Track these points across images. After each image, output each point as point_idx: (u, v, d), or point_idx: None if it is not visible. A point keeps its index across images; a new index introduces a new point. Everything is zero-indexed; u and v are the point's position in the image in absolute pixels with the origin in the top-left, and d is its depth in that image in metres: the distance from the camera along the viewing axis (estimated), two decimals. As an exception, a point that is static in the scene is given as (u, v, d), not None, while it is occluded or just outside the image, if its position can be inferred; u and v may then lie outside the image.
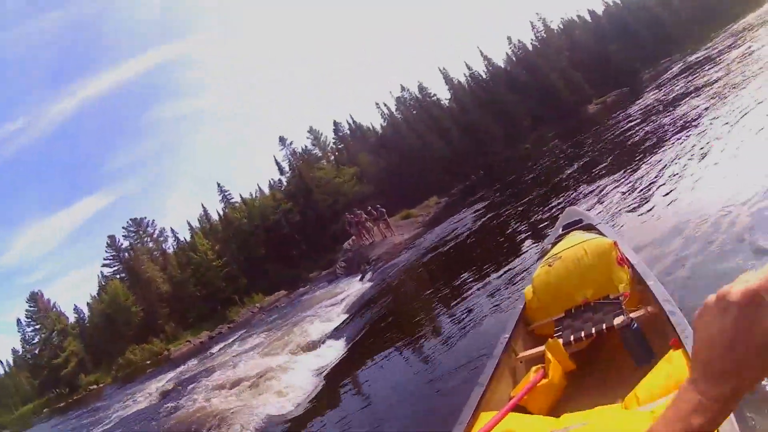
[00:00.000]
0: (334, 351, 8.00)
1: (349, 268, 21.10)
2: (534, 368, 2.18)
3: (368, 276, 14.87)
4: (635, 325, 2.14)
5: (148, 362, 38.76)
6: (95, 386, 41.84)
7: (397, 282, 10.75)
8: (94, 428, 16.03)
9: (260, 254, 40.85)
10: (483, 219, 12.10)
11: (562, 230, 3.48)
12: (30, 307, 45.53)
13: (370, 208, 21.89)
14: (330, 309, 12.72)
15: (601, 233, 3.11)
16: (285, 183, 43.88)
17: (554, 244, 3.13)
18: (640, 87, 37.74)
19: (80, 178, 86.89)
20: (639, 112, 17.60)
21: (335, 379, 6.54)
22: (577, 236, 2.97)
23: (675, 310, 2.04)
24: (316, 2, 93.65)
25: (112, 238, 44.22)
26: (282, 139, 42.94)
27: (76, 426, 21.13)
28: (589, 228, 3.33)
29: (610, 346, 2.41)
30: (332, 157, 43.97)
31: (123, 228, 45.41)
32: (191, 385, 11.81)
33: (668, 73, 32.88)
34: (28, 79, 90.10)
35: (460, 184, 39.88)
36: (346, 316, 10.48)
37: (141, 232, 44.14)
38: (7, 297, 79.78)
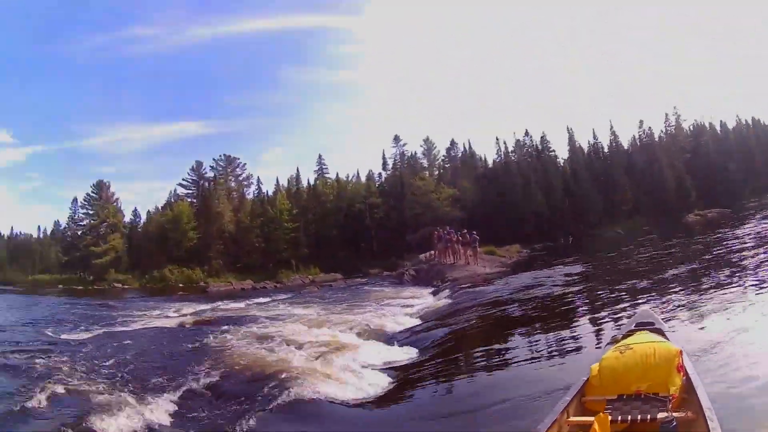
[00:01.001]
0: (406, 352, 7.73)
1: (418, 279, 21.23)
2: None
3: (445, 293, 14.47)
4: (674, 423, 2.41)
5: (181, 285, 38.81)
6: (120, 285, 41.71)
7: (474, 310, 10.48)
8: (102, 322, 15.22)
9: (331, 234, 39.97)
10: (566, 285, 11.86)
11: (634, 326, 3.77)
12: (92, 192, 45.12)
13: (465, 231, 21.30)
14: (401, 309, 12.63)
15: (667, 339, 3.38)
16: (383, 179, 43.04)
17: (625, 336, 3.44)
18: (744, 213, 36.61)
19: (191, 100, 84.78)
20: (742, 236, 17.73)
21: (408, 380, 6.33)
22: (649, 336, 3.31)
23: (713, 417, 2.32)
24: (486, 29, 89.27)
25: (199, 163, 43.75)
26: (396, 138, 42.20)
27: (84, 311, 20.16)
28: (659, 332, 3.59)
29: None
30: (436, 172, 42.92)
31: (213, 159, 44.93)
32: (231, 326, 11.26)
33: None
34: None
35: (545, 242, 38.93)
36: (419, 322, 10.39)
37: (228, 170, 43.45)
38: (73, 176, 79.26)
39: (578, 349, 6.42)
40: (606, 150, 46.05)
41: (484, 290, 13.09)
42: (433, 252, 23.89)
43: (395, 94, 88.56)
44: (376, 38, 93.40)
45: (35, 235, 57.71)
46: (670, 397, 2.68)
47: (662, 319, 4.50)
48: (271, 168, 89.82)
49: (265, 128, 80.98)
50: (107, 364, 7.93)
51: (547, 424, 2.56)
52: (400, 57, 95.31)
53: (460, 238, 21.08)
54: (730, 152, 49.92)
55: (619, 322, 6.51)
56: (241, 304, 19.25)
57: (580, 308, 9.38)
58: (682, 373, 2.83)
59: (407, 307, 13.13)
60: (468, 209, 39.14)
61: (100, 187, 44.91)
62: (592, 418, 2.52)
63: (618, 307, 8.60)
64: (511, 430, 3.96)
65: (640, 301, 8.39)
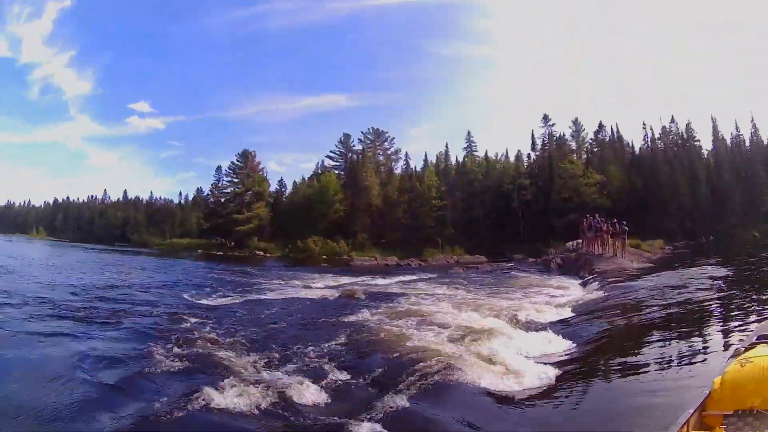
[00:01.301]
0: (563, 344, 7.32)
1: (565, 268, 20.76)
2: None
3: (594, 285, 14.20)
4: None
5: (324, 257, 40.16)
6: (262, 253, 43.58)
7: (628, 305, 9.90)
8: (241, 288, 15.57)
9: (478, 215, 40.85)
10: (710, 290, 10.68)
11: (756, 339, 3.63)
12: (238, 161, 47.46)
13: (615, 221, 20.50)
14: (550, 299, 12.40)
15: None
16: (532, 159, 43.36)
17: (747, 348, 3.32)
18: None
19: (336, 74, 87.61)
20: None
21: (569, 375, 5.85)
22: None
23: None
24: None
25: (347, 136, 45.36)
26: (546, 117, 42.19)
27: (224, 276, 21.06)
28: None
29: None
30: (584, 156, 42.89)
31: (361, 132, 46.33)
32: (377, 301, 11.52)
33: None
34: None
35: (687, 239, 38.51)
36: (571, 314, 9.88)
37: (377, 144, 44.88)
38: (217, 144, 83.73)
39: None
40: (747, 144, 44.63)
41: (634, 285, 12.56)
42: (580, 240, 23.52)
43: (543, 73, 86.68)
44: (524, 13, 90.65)
45: (176, 201, 61.35)
46: None
47: None
48: (419, 144, 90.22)
49: (413, 103, 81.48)
50: (244, 333, 7.91)
51: None
52: (549, 33, 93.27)
53: (610, 228, 20.50)
54: None
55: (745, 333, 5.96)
56: (387, 281, 19.34)
57: (725, 314, 8.40)
58: None
59: (555, 297, 12.92)
60: (613, 198, 39.08)
61: (246, 156, 47.22)
62: None
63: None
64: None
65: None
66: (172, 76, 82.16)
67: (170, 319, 9.11)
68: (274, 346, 7.12)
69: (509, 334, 7.64)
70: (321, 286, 16.75)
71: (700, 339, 6.68)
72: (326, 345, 7.09)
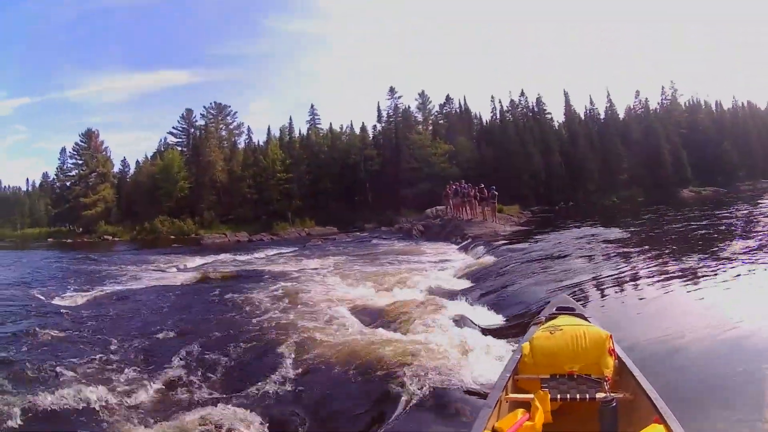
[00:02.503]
0: (482, 313, 6.13)
1: (430, 235, 20.10)
2: (520, 410, 2.30)
3: (480, 250, 12.90)
4: (615, 403, 2.30)
5: (173, 237, 37.48)
6: (111, 237, 40.34)
7: (534, 268, 8.94)
8: (95, 280, 13.24)
9: (325, 186, 38.54)
10: (622, 247, 10.38)
11: (555, 311, 3.56)
12: (81, 141, 43.44)
13: (483, 186, 19.60)
14: (437, 265, 11.42)
15: (590, 323, 3.17)
16: (379, 131, 41.44)
17: (548, 318, 3.31)
18: (739, 193, 35.72)
19: (174, 49, 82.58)
20: (737, 216, 16.50)
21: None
22: (573, 319, 3.17)
23: (657, 396, 2.29)
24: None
25: (189, 111, 42.25)
26: (392, 90, 40.72)
27: (75, 266, 18.39)
28: (581, 317, 3.37)
29: (584, 414, 2.54)
30: (431, 128, 41.47)
31: (203, 107, 43.24)
32: (253, 283, 9.63)
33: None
34: None
35: (542, 205, 37.80)
36: (470, 283, 8.83)
37: (219, 118, 41.86)
38: (59, 128, 77.36)
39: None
40: (602, 117, 44.84)
41: (526, 248, 11.69)
42: (445, 207, 22.54)
43: (390, 46, 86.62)
44: None
45: (24, 188, 56.03)
46: (606, 379, 2.63)
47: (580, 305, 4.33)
48: (261, 119, 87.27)
49: (253, 78, 79.27)
50: (112, 339, 5.89)
51: (492, 402, 2.48)
52: (393, 7, 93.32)
53: (477, 193, 19.65)
54: (726, 132, 49.12)
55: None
56: (246, 257, 17.78)
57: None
58: (614, 357, 2.76)
59: (442, 262, 11.93)
60: (463, 167, 37.89)
61: (89, 136, 43.18)
62: (530, 395, 2.51)
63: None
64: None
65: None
66: (16, 57, 74.55)
67: (20, 326, 6.68)
68: (149, 357, 5.28)
69: (441, 306, 6.12)
70: (179, 269, 14.97)
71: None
72: (218, 350, 5.20)
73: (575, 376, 2.68)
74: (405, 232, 22.70)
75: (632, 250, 10.03)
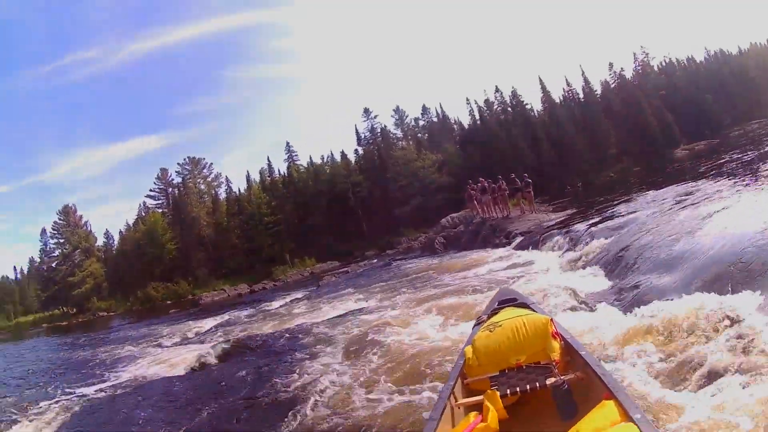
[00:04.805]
0: None
1: (458, 244, 16.75)
2: (473, 413, 2.26)
3: (559, 240, 9.76)
4: (566, 385, 2.25)
5: (169, 302, 34.38)
6: (105, 313, 37.45)
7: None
8: (92, 357, 11.49)
9: (315, 221, 35.43)
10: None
11: (498, 305, 3.45)
12: (59, 219, 40.27)
13: (513, 176, 16.32)
14: (518, 271, 8.28)
15: (534, 311, 3.14)
16: (360, 155, 38.57)
17: (490, 315, 3.17)
18: (730, 142, 33.36)
19: (142, 116, 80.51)
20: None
21: None
22: (515, 311, 3.04)
23: (606, 372, 2.24)
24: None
25: (164, 170, 39.07)
26: (367, 111, 37.75)
27: (71, 349, 15.99)
28: (524, 306, 3.33)
29: (539, 402, 2.50)
30: (411, 142, 38.50)
31: (178, 164, 40.07)
32: (304, 348, 6.51)
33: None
34: (109, 15, 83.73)
35: (542, 194, 34.99)
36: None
37: (195, 172, 38.62)
38: (42, 211, 74.53)
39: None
40: (581, 96, 42.13)
41: (623, 222, 8.40)
42: (470, 210, 19.08)
43: (354, 69, 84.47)
44: (318, 21, 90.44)
45: (12, 276, 52.57)
46: (554, 363, 2.51)
47: (523, 293, 4.10)
48: (238, 168, 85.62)
49: (224, 129, 77.40)
50: None
51: (438, 411, 2.31)
52: (352, 32, 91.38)
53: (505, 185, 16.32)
54: (704, 85, 46.96)
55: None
56: (260, 311, 14.31)
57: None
58: (559, 339, 2.63)
59: (513, 267, 8.94)
60: (454, 173, 35.02)
61: (67, 212, 40.06)
62: (479, 397, 2.39)
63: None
64: None
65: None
66: None
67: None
68: None
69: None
70: (189, 340, 11.60)
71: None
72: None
73: (523, 367, 2.57)
74: (424, 248, 19.79)
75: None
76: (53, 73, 78.03)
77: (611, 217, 9.57)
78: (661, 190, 12.06)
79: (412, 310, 7.17)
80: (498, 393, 2.34)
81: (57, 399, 7.11)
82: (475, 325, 3.29)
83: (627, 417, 1.80)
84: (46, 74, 77.04)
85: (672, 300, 3.91)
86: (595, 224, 9.32)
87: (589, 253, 7.46)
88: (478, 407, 2.31)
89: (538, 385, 2.38)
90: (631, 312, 4.12)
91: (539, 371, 2.49)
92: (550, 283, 6.13)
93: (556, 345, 2.58)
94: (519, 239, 12.44)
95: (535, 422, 2.45)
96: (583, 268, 6.89)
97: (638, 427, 1.70)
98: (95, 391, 7.35)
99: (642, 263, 5.37)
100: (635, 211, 9.18)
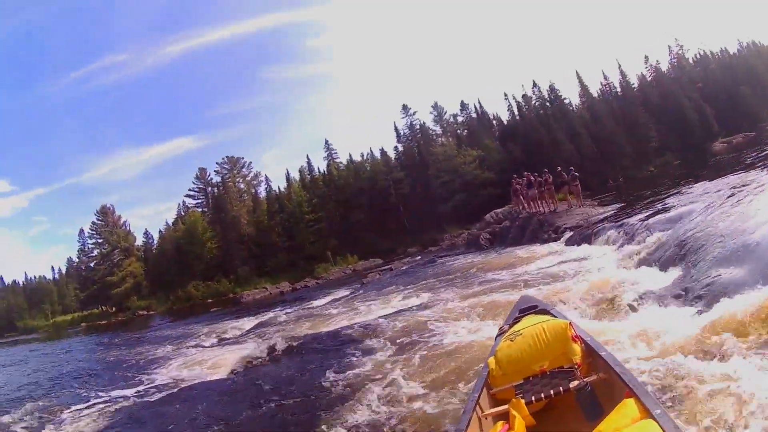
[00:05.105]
0: None
1: (502, 240, 16.29)
2: (500, 423, 2.24)
3: (613, 234, 9.19)
4: (589, 387, 2.28)
5: (210, 301, 34.34)
6: (145, 312, 37.40)
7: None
8: (128, 358, 11.02)
9: (357, 219, 34.99)
10: None
11: (519, 313, 3.51)
12: (98, 219, 40.17)
13: (559, 169, 15.81)
14: (572, 268, 7.87)
15: (554, 316, 3.14)
16: (401, 151, 38.00)
17: (511, 325, 3.20)
18: (764, 135, 32.46)
19: (179, 117, 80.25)
20: None
21: None
22: (534, 318, 3.07)
23: (626, 371, 2.24)
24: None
25: (203, 170, 38.81)
26: (405, 107, 37.23)
27: (107, 349, 15.59)
28: (544, 312, 3.37)
29: (565, 406, 2.50)
30: (451, 138, 37.93)
31: (216, 163, 39.79)
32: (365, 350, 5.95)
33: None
34: (144, 18, 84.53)
35: (586, 189, 34.28)
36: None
37: (235, 171, 38.33)
38: (80, 213, 75.33)
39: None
40: (619, 91, 41.33)
41: (683, 213, 7.71)
42: (516, 205, 18.40)
43: (392, 65, 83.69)
44: (354, 18, 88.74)
45: (50, 277, 52.76)
46: (576, 366, 2.51)
47: (543, 299, 4.18)
48: (277, 167, 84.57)
49: (261, 130, 77.14)
50: None
51: (465, 422, 2.31)
52: (388, 28, 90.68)
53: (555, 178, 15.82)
54: (739, 78, 45.87)
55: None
56: (303, 310, 13.70)
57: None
58: (579, 342, 2.62)
59: (565, 263, 8.54)
60: (495, 169, 34.45)
61: (105, 212, 39.95)
62: (506, 407, 2.39)
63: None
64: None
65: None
66: (25, 150, 72.60)
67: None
68: None
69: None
70: (232, 341, 10.71)
71: None
72: None
73: (547, 373, 2.58)
74: (469, 244, 19.13)
75: None
76: (89, 76, 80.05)
77: (665, 210, 9.03)
78: (713, 182, 11.46)
79: (462, 309, 6.79)
80: (523, 401, 2.34)
81: (90, 402, 6.81)
82: (497, 336, 3.29)
83: (648, 414, 1.81)
84: (83, 78, 78.88)
85: (747, 293, 3.64)
86: (649, 217, 8.80)
87: (648, 246, 6.96)
88: (505, 416, 2.31)
89: (562, 389, 2.39)
90: (705, 306, 3.91)
91: (562, 376, 2.51)
92: (611, 279, 5.93)
93: (576, 348, 2.59)
94: (568, 234, 11.95)
95: (562, 426, 2.46)
96: (644, 262, 6.45)
97: (658, 423, 1.71)
98: (131, 394, 7.01)
99: (708, 256, 4.93)
100: (691, 203, 8.53)
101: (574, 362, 2.54)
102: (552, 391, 2.41)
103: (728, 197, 6.86)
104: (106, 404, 6.53)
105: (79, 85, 73.44)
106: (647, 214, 9.35)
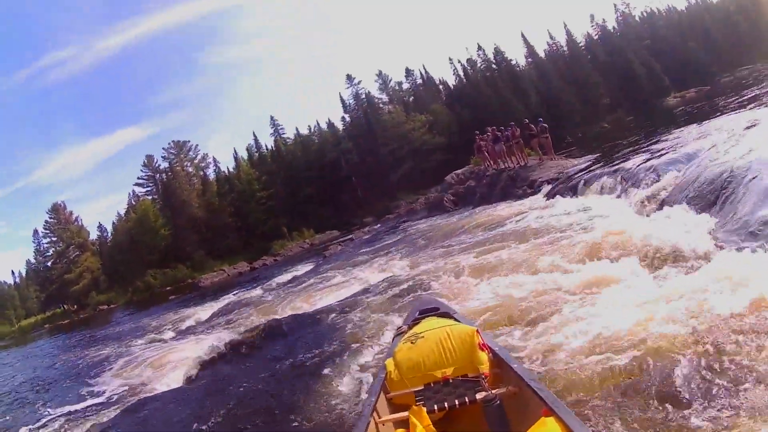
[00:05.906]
0: None
1: (469, 200, 14.96)
2: (400, 431, 2.10)
3: (606, 181, 8.24)
4: (498, 400, 2.05)
5: (168, 288, 33.29)
6: (106, 306, 36.37)
7: None
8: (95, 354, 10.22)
9: (309, 193, 34.11)
10: None
11: (419, 314, 3.21)
12: (50, 218, 38.88)
13: (527, 121, 14.93)
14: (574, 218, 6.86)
15: (458, 321, 2.90)
16: (348, 122, 37.18)
17: (410, 326, 2.95)
18: (720, 88, 32.03)
19: (123, 108, 79.16)
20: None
21: None
22: (438, 321, 2.80)
23: (542, 386, 2.06)
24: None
25: (149, 157, 37.59)
26: (349, 77, 36.28)
27: (68, 350, 14.76)
28: (446, 315, 3.09)
29: (469, 417, 2.32)
30: (398, 105, 37.15)
31: (163, 149, 38.53)
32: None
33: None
34: (79, 13, 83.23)
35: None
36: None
37: (182, 156, 37.19)
38: (33, 213, 73.47)
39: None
40: (566, 50, 40.85)
41: (691, 153, 6.79)
42: (481, 162, 17.37)
43: (333, 36, 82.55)
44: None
45: (11, 282, 51.25)
46: (483, 376, 2.34)
47: (445, 301, 3.91)
48: (224, 148, 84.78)
49: (206, 112, 76.50)
50: None
51: (361, 428, 2.10)
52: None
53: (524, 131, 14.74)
54: (687, 34, 45.68)
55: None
56: (267, 289, 12.70)
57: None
58: (487, 351, 2.45)
59: (564, 216, 7.37)
60: (445, 134, 33.81)
61: (56, 210, 38.69)
62: (405, 414, 2.17)
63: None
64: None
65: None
66: None
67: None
68: None
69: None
70: (192, 331, 9.72)
71: None
72: None
73: (450, 381, 2.40)
74: (431, 208, 18.05)
75: None
76: (30, 76, 77.80)
77: (663, 153, 7.86)
78: (702, 125, 10.45)
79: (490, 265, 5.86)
80: (425, 408, 2.14)
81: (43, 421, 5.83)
82: (394, 336, 3.11)
83: None
84: (24, 78, 76.28)
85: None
86: (648, 160, 7.74)
87: (665, 188, 6.11)
88: (404, 424, 2.15)
89: (467, 399, 2.22)
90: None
91: (467, 385, 2.35)
92: (639, 228, 4.93)
93: (484, 357, 2.43)
94: (547, 187, 10.96)
95: None
96: (667, 204, 5.55)
97: None
98: (80, 408, 6.00)
99: (748, 191, 4.18)
100: (695, 141, 7.61)
101: (481, 372, 2.37)
102: (456, 401, 2.22)
103: (747, 128, 6.00)
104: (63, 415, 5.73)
105: (22, 85, 72.06)
106: (644, 158, 8.13)
